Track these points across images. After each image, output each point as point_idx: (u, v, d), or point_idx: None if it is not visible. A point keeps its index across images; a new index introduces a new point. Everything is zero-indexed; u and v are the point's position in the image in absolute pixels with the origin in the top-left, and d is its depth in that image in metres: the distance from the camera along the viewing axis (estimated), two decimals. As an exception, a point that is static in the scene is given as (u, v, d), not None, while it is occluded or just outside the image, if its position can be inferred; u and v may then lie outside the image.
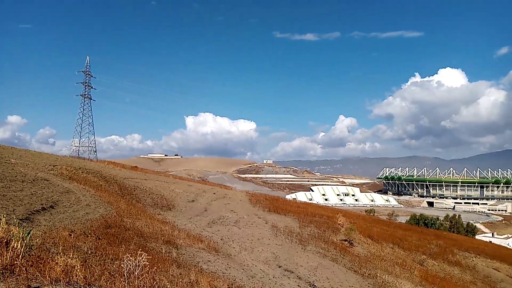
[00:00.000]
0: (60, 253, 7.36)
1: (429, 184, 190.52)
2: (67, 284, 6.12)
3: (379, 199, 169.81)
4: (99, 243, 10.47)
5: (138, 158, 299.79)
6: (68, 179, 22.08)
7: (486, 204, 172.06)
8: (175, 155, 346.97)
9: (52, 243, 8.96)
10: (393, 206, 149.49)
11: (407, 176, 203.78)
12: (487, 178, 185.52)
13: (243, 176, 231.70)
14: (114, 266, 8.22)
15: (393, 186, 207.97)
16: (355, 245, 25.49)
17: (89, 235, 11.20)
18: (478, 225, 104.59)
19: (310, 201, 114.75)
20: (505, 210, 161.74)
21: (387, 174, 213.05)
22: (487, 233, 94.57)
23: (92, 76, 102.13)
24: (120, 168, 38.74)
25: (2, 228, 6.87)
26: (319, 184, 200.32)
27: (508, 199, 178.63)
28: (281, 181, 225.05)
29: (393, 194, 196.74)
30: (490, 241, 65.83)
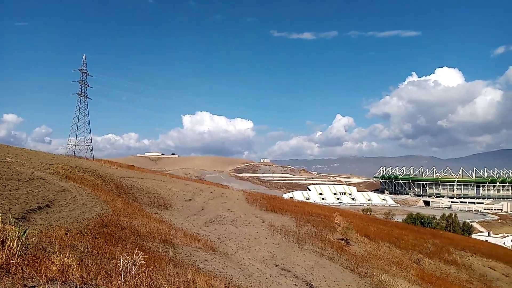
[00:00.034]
0: (56, 252, 7.33)
1: (426, 183, 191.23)
2: (63, 283, 6.10)
3: (376, 198, 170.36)
4: (96, 242, 10.43)
5: (134, 157, 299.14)
6: (64, 178, 21.99)
7: (482, 203, 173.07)
8: (172, 154, 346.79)
9: (48, 242, 8.91)
10: (389, 205, 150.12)
11: (403, 175, 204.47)
12: (484, 178, 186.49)
13: (240, 175, 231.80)
14: (111, 265, 8.19)
15: (390, 185, 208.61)
16: (352, 244, 25.54)
17: (86, 234, 11.16)
18: (474, 224, 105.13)
19: (307, 200, 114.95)
20: (501, 209, 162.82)
21: (384, 173, 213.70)
22: (483, 232, 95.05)
23: (88, 75, 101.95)
24: (117, 167, 38.63)
25: (-2, 227, 6.83)
26: (316, 183, 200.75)
27: (504, 198, 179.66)
28: (278, 180, 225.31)
29: (390, 193, 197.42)
30: (486, 240, 66.17)
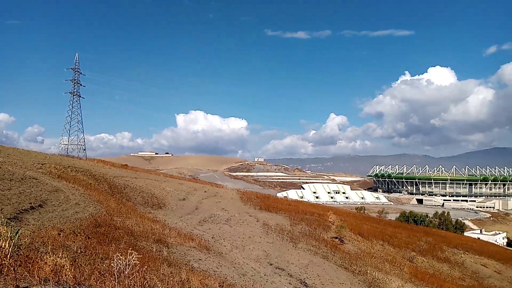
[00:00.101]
0: (49, 253, 7.29)
1: (419, 182, 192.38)
2: (56, 283, 6.06)
3: (369, 197, 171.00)
4: (89, 242, 10.38)
5: (128, 156, 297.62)
6: (57, 178, 21.84)
7: (475, 201, 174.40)
8: (166, 153, 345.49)
9: (41, 242, 8.86)
10: (383, 204, 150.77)
11: (397, 174, 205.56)
12: (476, 176, 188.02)
13: (234, 174, 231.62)
14: (104, 265, 8.16)
15: (383, 183, 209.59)
16: (345, 243, 25.65)
17: (79, 234, 11.10)
18: (467, 222, 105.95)
19: (301, 199, 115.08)
20: (493, 207, 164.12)
21: (377, 172, 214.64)
22: (475, 229, 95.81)
23: (81, 73, 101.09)
24: (110, 167, 38.43)
25: (-10, 227, 6.78)
26: (310, 182, 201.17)
27: (496, 196, 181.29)
28: (272, 179, 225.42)
29: (383, 191, 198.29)
30: (478, 238, 66.78)
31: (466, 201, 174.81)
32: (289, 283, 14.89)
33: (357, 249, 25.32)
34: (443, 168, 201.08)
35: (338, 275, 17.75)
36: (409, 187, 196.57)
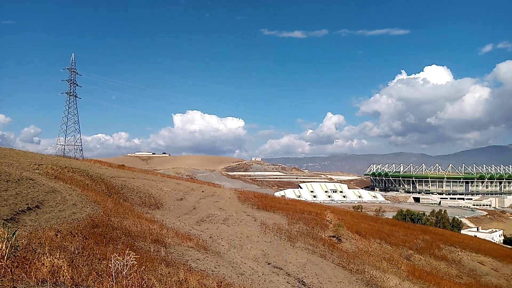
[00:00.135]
0: (46, 254, 7.26)
1: (415, 180, 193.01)
2: (53, 284, 6.05)
3: (367, 195, 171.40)
4: (86, 243, 10.35)
5: (125, 157, 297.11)
6: (53, 179, 21.76)
7: (471, 199, 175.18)
8: (163, 153, 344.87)
9: (38, 243, 8.82)
10: (380, 202, 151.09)
11: (393, 173, 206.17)
12: (472, 174, 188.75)
13: (231, 173, 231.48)
14: (102, 266, 8.14)
15: (380, 182, 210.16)
16: (343, 241, 25.70)
17: (76, 235, 11.06)
18: (464, 220, 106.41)
19: (299, 198, 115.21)
20: (490, 205, 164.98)
21: (374, 171, 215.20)
22: (472, 227, 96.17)
23: (77, 74, 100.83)
24: (107, 167, 38.32)
25: (-14, 229, 6.74)
26: (308, 181, 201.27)
27: (492, 194, 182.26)
28: (270, 178, 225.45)
29: (380, 190, 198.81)
30: (475, 236, 67.01)
31: (463, 199, 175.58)
32: (287, 282, 14.90)
33: (355, 248, 25.37)
34: (439, 167, 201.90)
35: (336, 274, 17.78)
36: (406, 186, 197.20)
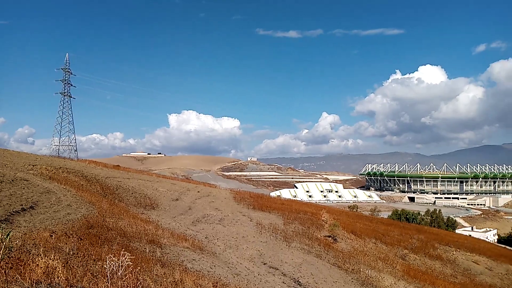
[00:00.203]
0: (41, 255, 7.23)
1: (410, 180, 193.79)
2: (48, 286, 6.02)
3: (362, 195, 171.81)
4: (81, 244, 10.30)
5: (120, 157, 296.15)
6: (48, 179, 21.64)
7: (466, 198, 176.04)
8: (158, 153, 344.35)
9: (33, 244, 8.78)
10: (375, 202, 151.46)
11: (388, 172, 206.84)
12: (467, 173, 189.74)
13: (227, 174, 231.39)
14: (97, 266, 8.11)
15: (375, 182, 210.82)
16: (338, 241, 25.76)
17: (71, 236, 11.01)
18: (458, 219, 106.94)
19: (294, 198, 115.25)
20: (484, 204, 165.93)
21: (370, 170, 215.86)
22: (467, 227, 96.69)
23: (71, 74, 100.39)
24: (102, 167, 38.15)
25: (-20, 230, 6.70)
26: (303, 181, 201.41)
27: (486, 193, 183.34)
28: (265, 178, 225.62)
29: (376, 190, 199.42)
30: (470, 235, 67.41)
31: (457, 198, 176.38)
32: (283, 282, 14.91)
33: (350, 248, 25.43)
34: (434, 166, 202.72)
35: (332, 274, 17.82)
36: (401, 185, 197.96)
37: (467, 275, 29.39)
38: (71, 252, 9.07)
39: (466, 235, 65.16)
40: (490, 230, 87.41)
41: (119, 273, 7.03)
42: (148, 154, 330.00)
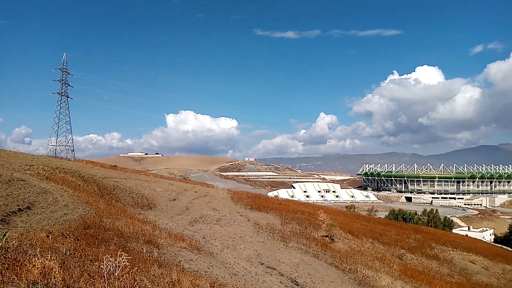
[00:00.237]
0: (37, 255, 7.21)
1: (407, 180, 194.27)
2: (45, 286, 6.00)
3: (359, 195, 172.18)
4: (78, 244, 10.28)
5: (117, 157, 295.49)
6: (45, 179, 21.57)
7: (462, 198, 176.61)
8: (156, 153, 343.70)
9: (29, 244, 8.75)
10: (372, 202, 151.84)
11: (386, 172, 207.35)
12: (463, 173, 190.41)
13: (224, 174, 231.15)
14: (94, 267, 8.09)
15: (373, 182, 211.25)
16: (336, 241, 25.79)
17: (68, 236, 10.98)
18: (455, 219, 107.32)
19: (292, 198, 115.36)
20: (481, 204, 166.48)
21: (367, 171, 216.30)
22: (463, 226, 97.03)
23: (69, 74, 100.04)
24: (99, 168, 38.06)
25: (-24, 230, 6.68)
26: (301, 181, 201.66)
27: (483, 193, 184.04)
28: (263, 178, 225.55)
29: (373, 190, 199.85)
30: (466, 235, 67.58)
31: (454, 198, 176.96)
32: (280, 282, 14.93)
33: (347, 247, 25.47)
34: (431, 166, 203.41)
35: (329, 274, 17.85)
36: (398, 185, 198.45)
37: (463, 274, 29.48)
38: (68, 253, 9.04)
39: (462, 235, 65.32)
40: (486, 230, 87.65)
41: (116, 274, 7.02)
42: (146, 154, 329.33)
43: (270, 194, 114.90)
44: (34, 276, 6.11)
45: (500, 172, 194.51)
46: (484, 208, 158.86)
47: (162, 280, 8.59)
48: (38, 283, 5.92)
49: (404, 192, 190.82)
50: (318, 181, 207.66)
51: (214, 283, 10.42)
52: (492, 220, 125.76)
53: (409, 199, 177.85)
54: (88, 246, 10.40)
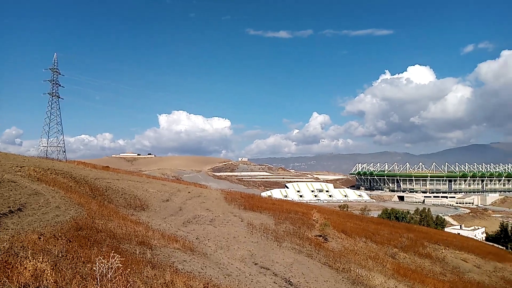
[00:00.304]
0: (29, 257, 7.14)
1: (400, 179, 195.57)
2: (36, 289, 5.93)
3: (352, 195, 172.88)
4: (70, 246, 10.19)
5: (109, 158, 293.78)
6: (36, 181, 21.37)
7: (454, 197, 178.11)
8: (148, 154, 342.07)
9: (21, 247, 8.66)
10: (365, 201, 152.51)
11: (378, 172, 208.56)
12: (455, 172, 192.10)
13: (218, 174, 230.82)
14: (86, 269, 8.02)
15: (365, 181, 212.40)
16: (329, 240, 25.86)
17: (60, 238, 10.88)
18: (447, 218, 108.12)
19: (285, 198, 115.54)
20: (472, 203, 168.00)
21: (360, 170, 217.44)
22: (456, 225, 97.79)
23: (60, 74, 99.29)
24: (91, 168, 37.78)
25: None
26: (294, 181, 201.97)
27: (475, 192, 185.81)
28: (256, 178, 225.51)
29: (366, 189, 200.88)
30: (458, 233, 68.22)
31: (446, 197, 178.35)
32: (274, 282, 14.93)
33: (341, 247, 25.55)
34: (423, 165, 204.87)
35: (322, 273, 17.89)
36: (390, 185, 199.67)
37: (456, 273, 29.71)
38: (60, 255, 8.96)
39: (455, 233, 65.88)
40: (478, 228, 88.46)
41: (109, 275, 6.97)
42: (138, 154, 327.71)
43: (264, 194, 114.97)
44: (25, 278, 6.04)
45: (491, 171, 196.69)
46: (475, 206, 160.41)
47: (155, 281, 8.54)
48: (29, 286, 5.86)
49: (397, 191, 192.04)
50: (311, 181, 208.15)
51: (208, 284, 10.39)
52: (484, 218, 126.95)
53: (401, 198, 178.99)
54: (80, 247, 10.32)
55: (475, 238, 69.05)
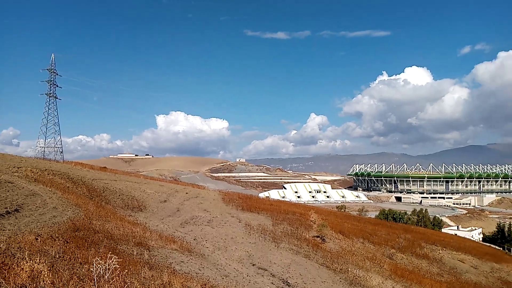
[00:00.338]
0: (26, 258, 7.12)
1: (397, 180, 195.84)
2: (33, 290, 5.92)
3: (350, 195, 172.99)
4: (67, 247, 10.17)
5: (107, 159, 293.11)
6: (33, 181, 21.31)
7: (451, 198, 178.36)
8: (146, 154, 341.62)
9: (18, 248, 8.63)
10: (363, 202, 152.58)
11: (376, 172, 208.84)
12: (452, 173, 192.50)
13: (215, 175, 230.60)
14: (83, 270, 8.01)
15: (363, 182, 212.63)
16: (327, 241, 25.88)
17: (57, 239, 10.86)
18: (444, 219, 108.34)
19: (283, 199, 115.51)
20: (469, 204, 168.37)
21: (357, 171, 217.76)
22: (453, 226, 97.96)
23: (57, 74, 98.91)
24: (88, 169, 37.70)
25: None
26: (292, 182, 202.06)
27: (471, 193, 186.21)
28: (254, 179, 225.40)
29: (363, 190, 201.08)
30: (456, 234, 68.30)
31: (443, 198, 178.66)
32: (272, 283, 14.93)
33: (338, 248, 25.58)
34: (420, 166, 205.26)
35: (320, 274, 17.90)
36: (388, 185, 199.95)
37: (453, 273, 29.79)
38: (57, 256, 8.94)
39: (452, 234, 66.00)
40: (475, 229, 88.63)
41: (106, 277, 6.96)
42: (136, 155, 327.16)
43: (261, 195, 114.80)
44: (22, 279, 6.03)
45: (488, 171, 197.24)
46: (472, 207, 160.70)
47: (152, 282, 8.53)
48: (26, 287, 5.84)
49: (394, 192, 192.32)
50: (309, 182, 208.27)
51: (205, 284, 10.39)
52: (481, 219, 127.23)
53: (399, 199, 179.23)
54: (77, 248, 10.30)
55: (472, 239, 69.18)
